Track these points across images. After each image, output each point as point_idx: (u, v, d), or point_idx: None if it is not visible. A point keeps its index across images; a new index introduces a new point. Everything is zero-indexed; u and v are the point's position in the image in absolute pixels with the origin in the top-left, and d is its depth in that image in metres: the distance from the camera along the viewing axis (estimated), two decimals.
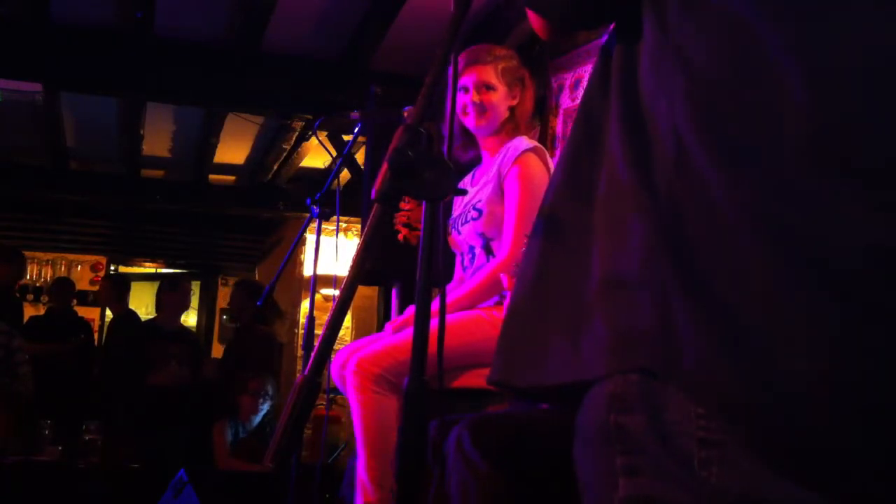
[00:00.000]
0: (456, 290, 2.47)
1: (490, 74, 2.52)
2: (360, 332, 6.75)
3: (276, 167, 6.67)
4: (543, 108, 4.23)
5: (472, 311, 2.38)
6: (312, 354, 0.98)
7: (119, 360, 5.55)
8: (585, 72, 4.05)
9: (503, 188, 2.45)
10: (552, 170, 2.52)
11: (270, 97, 4.98)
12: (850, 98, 0.71)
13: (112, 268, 8.11)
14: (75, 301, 6.82)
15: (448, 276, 2.66)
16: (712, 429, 0.71)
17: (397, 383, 2.21)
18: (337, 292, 1.19)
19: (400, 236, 3.06)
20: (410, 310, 2.47)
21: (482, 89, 2.51)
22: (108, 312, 6.78)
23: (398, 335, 2.35)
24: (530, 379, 0.86)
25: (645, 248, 0.76)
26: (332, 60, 4.74)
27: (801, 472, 0.69)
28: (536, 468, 1.72)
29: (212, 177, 7.22)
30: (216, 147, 6.24)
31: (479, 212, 2.48)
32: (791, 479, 0.69)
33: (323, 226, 2.82)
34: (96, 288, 7.47)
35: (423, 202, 1.07)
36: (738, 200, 0.72)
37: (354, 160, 5.16)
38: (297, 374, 2.42)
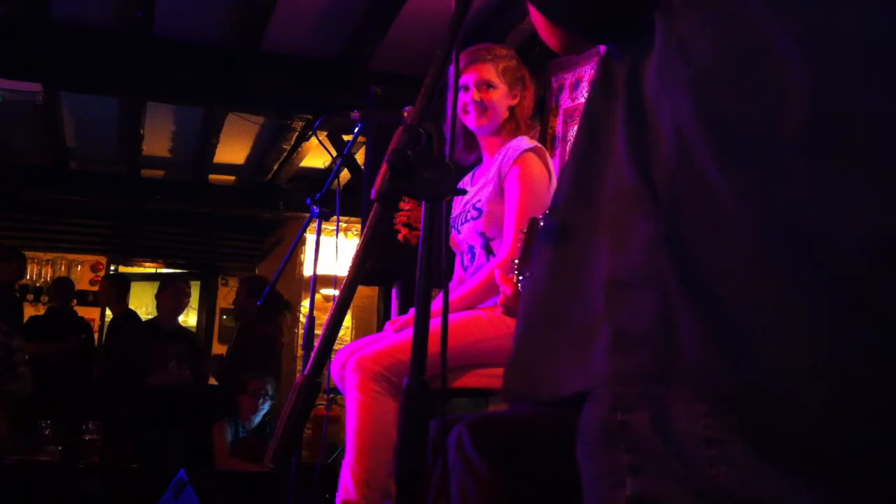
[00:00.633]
0: (456, 290, 2.47)
1: (491, 73, 2.52)
2: (360, 332, 6.75)
3: (276, 167, 6.67)
4: (543, 109, 4.23)
5: (472, 311, 2.38)
6: (312, 354, 0.98)
7: (119, 360, 5.55)
8: (585, 72, 4.05)
9: (503, 188, 2.45)
10: (552, 170, 2.52)
11: (270, 97, 4.98)
12: (853, 93, 0.71)
13: (112, 268, 8.11)
14: (75, 301, 6.83)
15: (448, 275, 2.66)
16: (717, 427, 0.71)
17: (397, 383, 2.21)
18: (337, 292, 1.19)
19: (400, 236, 3.06)
20: (412, 311, 2.47)
21: (483, 87, 2.51)
22: (108, 312, 6.79)
23: (399, 335, 2.35)
24: (547, 390, 0.85)
25: (646, 248, 0.76)
26: (332, 60, 4.74)
27: (804, 470, 0.69)
28: (536, 468, 1.72)
29: (212, 177, 7.22)
30: (216, 147, 6.24)
31: (480, 211, 2.48)
32: (795, 476, 0.69)
33: (323, 226, 2.82)
34: (96, 288, 7.47)
35: (423, 202, 1.07)
36: (740, 197, 0.72)
37: (354, 160, 5.16)
38: (297, 374, 2.42)
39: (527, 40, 4.34)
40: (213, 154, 6.44)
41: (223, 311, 8.21)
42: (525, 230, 1.62)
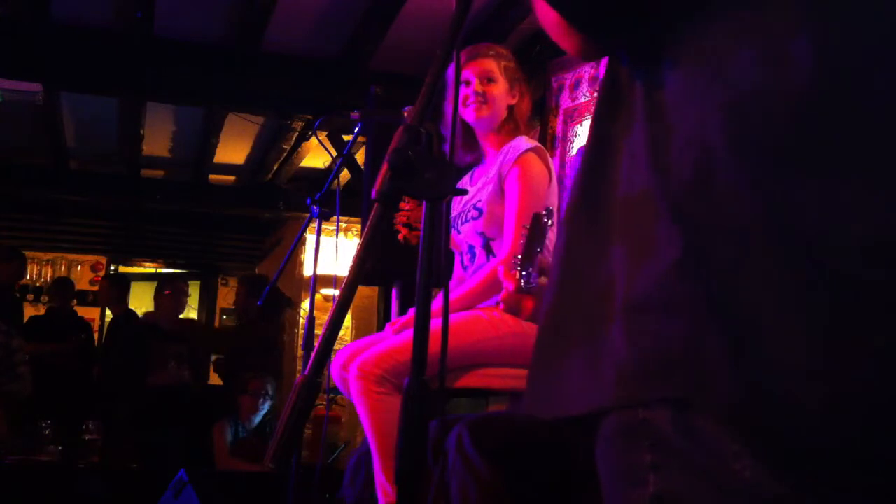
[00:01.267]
0: (456, 290, 2.47)
1: (493, 66, 2.53)
2: (360, 332, 6.75)
3: (276, 167, 6.67)
4: (543, 109, 4.23)
5: (472, 311, 2.38)
6: (312, 354, 0.98)
7: (119, 360, 5.55)
8: (585, 72, 4.05)
9: (504, 188, 2.45)
10: (552, 169, 2.52)
11: (270, 97, 4.98)
12: (859, 95, 0.71)
13: (112, 268, 8.10)
14: (75, 301, 6.82)
15: (448, 275, 2.67)
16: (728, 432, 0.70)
17: (399, 384, 2.21)
18: (337, 292, 1.19)
19: (400, 236, 3.06)
20: (412, 311, 2.47)
21: (484, 80, 2.51)
22: (108, 312, 6.79)
23: (399, 336, 2.35)
24: (556, 410, 0.84)
25: (669, 270, 0.74)
26: (332, 60, 4.74)
27: (805, 470, 0.69)
28: (536, 468, 1.72)
29: (212, 177, 7.22)
30: (216, 147, 6.24)
31: (480, 211, 2.48)
32: (797, 477, 0.69)
33: (323, 226, 2.82)
34: (96, 288, 7.47)
35: (423, 202, 1.07)
36: (770, 216, 0.70)
37: (354, 160, 5.16)
38: (297, 374, 2.42)
39: (527, 40, 4.34)
40: (213, 154, 6.44)
41: (223, 311, 8.20)
42: (527, 225, 1.62)
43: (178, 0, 4.15)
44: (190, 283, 6.88)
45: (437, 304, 1.11)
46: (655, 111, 0.80)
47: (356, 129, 2.86)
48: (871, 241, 0.68)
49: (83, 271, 7.95)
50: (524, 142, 2.47)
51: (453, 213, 2.61)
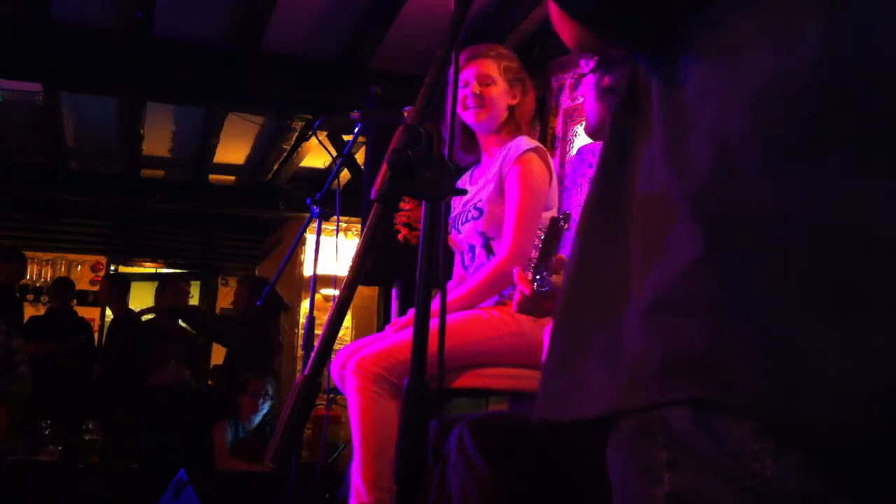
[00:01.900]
0: (456, 290, 2.47)
1: (492, 68, 2.52)
2: (360, 332, 6.75)
3: (276, 167, 6.67)
4: (543, 109, 4.23)
5: (472, 311, 2.38)
6: (312, 354, 0.98)
7: (119, 360, 5.55)
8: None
9: (504, 188, 2.45)
10: (553, 170, 2.52)
11: (270, 97, 4.98)
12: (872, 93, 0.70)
13: (112, 268, 8.10)
14: (75, 301, 6.82)
15: (448, 275, 2.67)
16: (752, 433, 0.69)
17: (398, 384, 2.21)
18: (337, 292, 1.19)
19: (400, 236, 3.06)
20: (412, 312, 2.47)
21: (483, 82, 2.50)
22: (109, 312, 6.79)
23: (398, 335, 2.35)
24: (572, 412, 0.82)
25: (690, 268, 0.73)
26: (332, 60, 4.74)
27: (849, 491, 0.68)
28: (537, 469, 1.72)
29: (212, 177, 7.22)
30: (216, 147, 6.24)
31: (480, 211, 2.47)
32: (838, 495, 0.68)
33: (323, 226, 2.82)
34: (96, 288, 7.47)
35: (423, 202, 1.07)
36: (793, 211, 0.69)
37: (354, 160, 5.16)
38: (297, 374, 2.42)
39: (527, 40, 4.34)
40: (213, 154, 6.45)
41: (223, 311, 8.20)
42: (543, 228, 1.62)
43: (178, 0, 4.15)
44: (190, 282, 6.88)
45: (437, 303, 1.11)
46: (673, 108, 0.79)
47: (356, 129, 2.86)
48: None
49: (83, 271, 7.94)
50: (525, 142, 2.47)
51: (453, 213, 2.61)
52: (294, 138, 5.85)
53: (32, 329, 5.91)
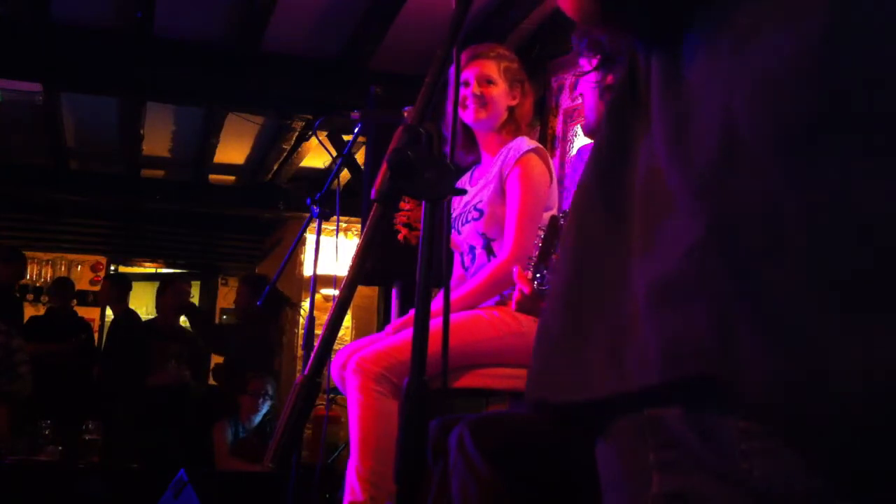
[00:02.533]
0: (457, 290, 2.48)
1: (492, 68, 2.52)
2: (360, 332, 6.75)
3: (276, 167, 6.68)
4: (543, 109, 4.23)
5: (472, 311, 2.38)
6: (312, 354, 0.98)
7: (119, 360, 5.55)
8: None
9: (505, 188, 2.45)
10: (553, 170, 2.52)
11: (270, 97, 4.98)
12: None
13: (112, 268, 8.10)
14: (75, 301, 6.83)
15: (448, 275, 2.67)
16: (756, 425, 0.68)
17: (398, 383, 2.21)
18: (337, 292, 1.19)
19: (400, 236, 3.06)
20: (412, 312, 2.47)
21: (483, 82, 2.51)
22: (109, 312, 6.79)
23: (399, 335, 2.35)
24: (568, 395, 0.80)
25: (694, 253, 0.71)
26: (332, 60, 4.74)
27: (856, 488, 0.66)
28: (537, 469, 1.72)
29: (212, 177, 7.22)
30: (216, 147, 6.24)
31: (481, 212, 2.48)
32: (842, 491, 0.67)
33: (323, 226, 2.82)
34: (96, 288, 7.47)
35: (423, 202, 1.07)
36: (801, 198, 0.68)
37: (354, 160, 5.16)
38: (297, 374, 2.42)
39: (527, 40, 4.34)
40: (213, 154, 6.45)
41: (223, 311, 8.20)
42: (543, 227, 1.61)
43: (178, 0, 4.15)
44: (190, 282, 6.88)
45: (437, 303, 1.11)
46: (675, 95, 0.78)
47: (356, 129, 2.86)
48: None
49: (83, 271, 7.94)
50: (525, 142, 2.47)
51: (454, 214, 2.61)
52: (294, 138, 5.85)
53: (32, 329, 5.91)
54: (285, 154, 6.28)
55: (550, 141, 4.22)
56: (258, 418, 4.99)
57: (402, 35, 4.32)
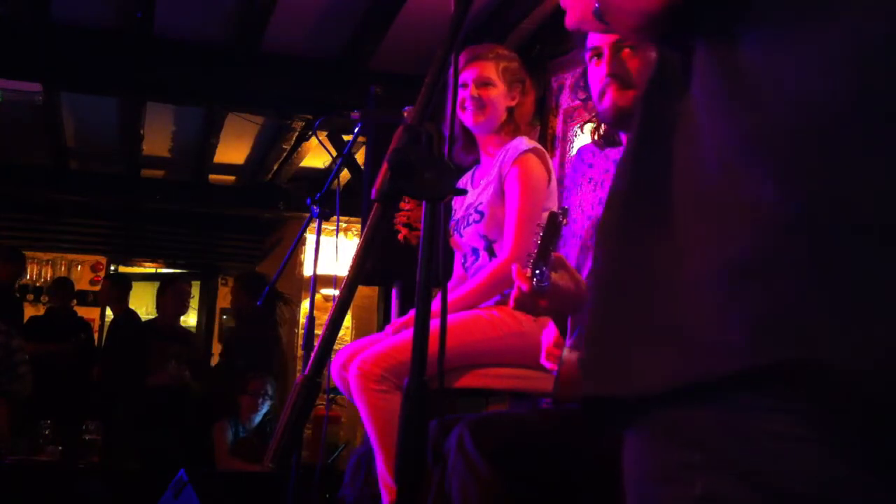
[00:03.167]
0: (457, 290, 2.48)
1: (490, 70, 2.51)
2: (360, 332, 6.75)
3: (276, 167, 6.67)
4: (543, 109, 4.23)
5: (472, 311, 2.38)
6: (312, 354, 0.98)
7: (119, 360, 5.55)
8: None
9: (504, 189, 2.45)
10: (552, 170, 2.52)
11: (270, 97, 4.98)
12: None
13: (112, 268, 8.10)
14: (75, 301, 6.83)
15: (448, 275, 2.67)
16: (793, 423, 0.67)
17: (398, 384, 2.21)
18: (337, 292, 1.19)
19: (400, 236, 3.06)
20: (412, 313, 2.47)
21: (481, 85, 2.50)
22: (109, 312, 6.79)
23: (399, 335, 2.35)
24: (629, 388, 0.78)
25: (781, 234, 0.69)
26: (333, 60, 4.74)
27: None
28: (537, 469, 1.72)
29: (212, 177, 7.22)
30: (216, 147, 6.24)
31: (481, 214, 2.47)
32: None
33: (323, 226, 2.82)
34: (96, 288, 7.47)
35: (423, 202, 1.07)
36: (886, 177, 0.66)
37: (354, 160, 5.16)
38: (297, 374, 2.42)
39: (527, 40, 4.34)
40: (213, 154, 6.44)
41: (223, 311, 8.20)
42: (542, 224, 1.61)
43: (178, 0, 4.15)
44: (190, 283, 6.88)
45: (437, 303, 1.11)
46: (735, 77, 0.75)
47: (356, 129, 2.86)
48: None
49: (83, 271, 7.94)
50: (524, 143, 2.47)
51: (455, 217, 2.61)
52: (294, 138, 5.85)
53: (32, 329, 5.91)
54: (285, 154, 6.28)
55: (550, 141, 4.22)
56: (258, 418, 4.99)
57: (402, 35, 4.32)
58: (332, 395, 2.70)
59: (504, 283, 2.37)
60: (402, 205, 2.94)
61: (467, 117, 2.52)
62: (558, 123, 4.22)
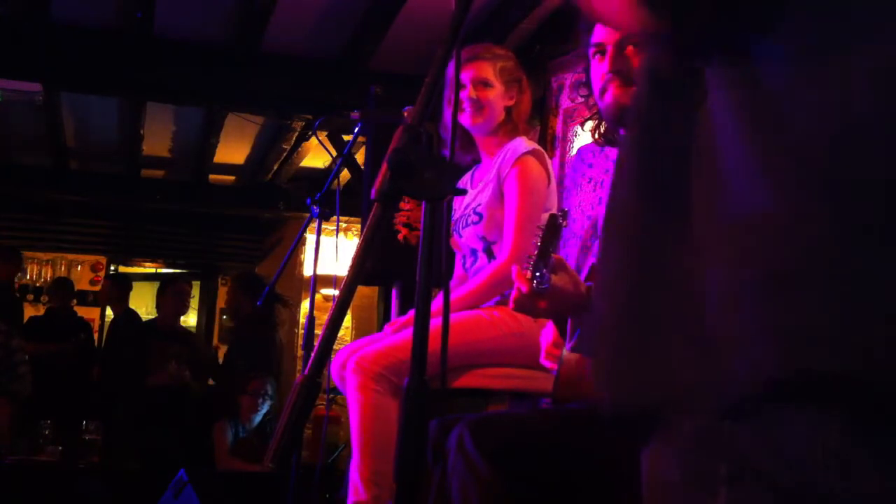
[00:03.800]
0: (457, 290, 2.47)
1: (488, 71, 2.51)
2: (360, 332, 6.75)
3: (276, 167, 6.68)
4: (543, 109, 4.23)
5: (472, 311, 2.38)
6: (312, 354, 0.98)
7: (119, 360, 5.55)
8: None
9: (503, 190, 2.45)
10: (551, 172, 2.52)
11: (270, 97, 4.98)
12: None
13: (112, 268, 8.11)
14: (75, 301, 6.83)
15: (448, 275, 2.67)
16: (835, 435, 0.66)
17: (397, 383, 2.21)
18: (337, 292, 1.19)
19: (400, 236, 3.06)
20: (412, 312, 2.47)
21: (479, 86, 2.50)
22: (109, 312, 6.79)
23: (399, 335, 2.35)
24: (658, 393, 0.77)
25: (811, 243, 0.69)
26: (333, 60, 4.74)
27: None
28: (537, 469, 1.72)
29: (212, 177, 7.22)
30: (216, 147, 6.24)
31: (480, 216, 2.47)
32: None
33: (323, 226, 2.82)
34: (96, 288, 7.47)
35: (423, 202, 1.07)
36: None
37: (354, 160, 5.16)
38: (297, 374, 2.42)
39: (527, 40, 4.34)
40: (213, 154, 6.45)
41: (223, 311, 8.21)
42: (542, 226, 1.61)
43: (178, 0, 4.15)
44: (191, 282, 6.88)
45: (437, 303, 1.11)
46: (754, 87, 0.75)
47: (356, 129, 2.86)
48: None
49: (83, 271, 7.94)
50: (523, 144, 2.47)
51: (455, 217, 2.61)
52: (294, 138, 5.85)
53: (32, 329, 5.91)
54: (285, 154, 6.28)
55: (550, 141, 4.22)
56: (258, 418, 4.99)
57: (402, 35, 4.32)
58: (332, 395, 2.70)
59: (504, 284, 2.37)
60: (402, 205, 2.94)
61: (465, 119, 2.52)
62: (558, 123, 4.23)
